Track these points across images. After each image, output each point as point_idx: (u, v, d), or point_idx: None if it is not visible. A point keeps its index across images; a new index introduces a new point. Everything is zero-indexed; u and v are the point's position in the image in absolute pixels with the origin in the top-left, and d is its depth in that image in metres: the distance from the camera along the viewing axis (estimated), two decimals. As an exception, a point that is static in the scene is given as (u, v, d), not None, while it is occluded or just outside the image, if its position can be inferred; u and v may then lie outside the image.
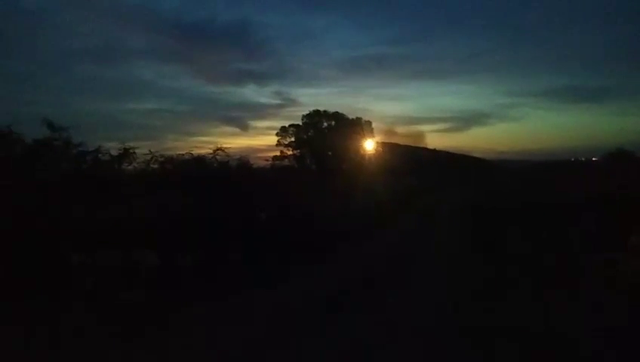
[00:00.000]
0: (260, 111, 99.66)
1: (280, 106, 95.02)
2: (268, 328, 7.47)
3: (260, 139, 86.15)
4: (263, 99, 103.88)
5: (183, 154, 14.71)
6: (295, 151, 51.06)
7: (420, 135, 77.99)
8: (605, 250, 11.40)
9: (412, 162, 48.70)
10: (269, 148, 49.80)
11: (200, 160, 15.12)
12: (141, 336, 6.97)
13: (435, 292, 9.63)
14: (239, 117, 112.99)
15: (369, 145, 48.69)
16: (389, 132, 65.25)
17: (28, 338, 6.73)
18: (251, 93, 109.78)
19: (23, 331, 6.88)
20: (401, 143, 66.40)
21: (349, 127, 52.88)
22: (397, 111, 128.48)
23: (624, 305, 8.35)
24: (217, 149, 15.41)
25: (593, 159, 54.17)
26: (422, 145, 73.08)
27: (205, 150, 15.57)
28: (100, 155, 12.19)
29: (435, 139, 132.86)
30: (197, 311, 8.29)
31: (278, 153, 49.26)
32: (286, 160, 48.60)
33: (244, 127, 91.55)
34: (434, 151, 73.94)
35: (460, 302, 8.77)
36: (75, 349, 6.46)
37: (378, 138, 52.72)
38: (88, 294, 8.23)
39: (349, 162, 46.41)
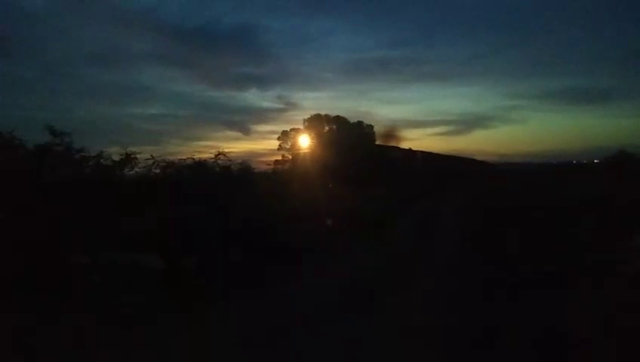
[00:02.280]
0: (262, 115, 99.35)
1: (282, 110, 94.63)
2: (267, 327, 7.47)
3: (262, 144, 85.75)
4: (265, 104, 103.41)
5: (185, 159, 14.78)
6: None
7: (394, 133, 63.25)
8: (608, 251, 11.38)
9: (371, 165, 37.56)
10: (271, 153, 49.77)
11: (202, 165, 15.18)
12: (141, 337, 6.96)
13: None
14: (241, 121, 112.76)
15: (303, 142, 35.04)
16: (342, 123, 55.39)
17: (32, 337, 6.73)
18: (253, 97, 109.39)
19: (28, 330, 6.90)
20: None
21: (351, 130, 52.77)
22: (399, 114, 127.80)
23: (629, 304, 8.31)
24: (219, 154, 15.49)
25: (595, 161, 54.19)
26: (393, 145, 57.38)
27: (207, 155, 15.64)
28: (101, 160, 12.24)
29: (438, 142, 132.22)
30: (198, 311, 8.35)
31: (279, 157, 49.30)
32: (287, 164, 48.49)
33: (246, 132, 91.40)
34: (409, 151, 56.86)
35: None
36: (75, 347, 6.49)
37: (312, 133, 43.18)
38: (92, 296, 8.23)
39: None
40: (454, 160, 69.51)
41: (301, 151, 34.64)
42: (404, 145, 62.80)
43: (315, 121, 53.33)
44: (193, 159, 14.91)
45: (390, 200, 28.14)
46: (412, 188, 36.46)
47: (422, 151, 57.24)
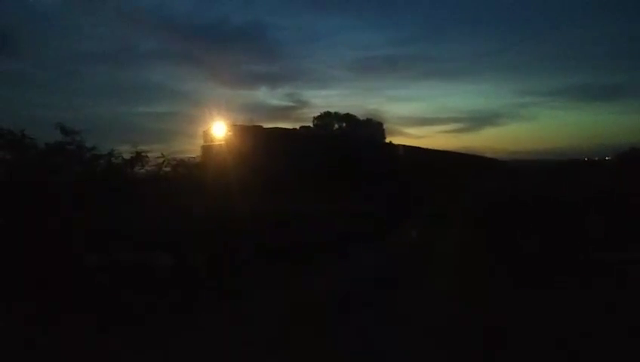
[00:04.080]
0: (272, 113, 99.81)
1: (292, 108, 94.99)
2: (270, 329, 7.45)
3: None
4: (275, 102, 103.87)
5: (195, 157, 14.90)
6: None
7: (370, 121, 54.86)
8: (618, 250, 11.27)
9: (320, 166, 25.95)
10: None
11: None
12: (141, 337, 6.97)
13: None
14: (251, 119, 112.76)
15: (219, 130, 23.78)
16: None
17: (32, 337, 6.79)
18: (263, 95, 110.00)
19: (37, 330, 6.96)
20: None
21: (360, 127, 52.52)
22: (409, 111, 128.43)
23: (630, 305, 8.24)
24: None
25: (606, 158, 53.72)
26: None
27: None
28: (112, 159, 12.34)
29: (448, 139, 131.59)
30: (203, 311, 8.31)
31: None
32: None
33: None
34: (390, 145, 43.99)
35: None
36: (75, 347, 6.50)
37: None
38: (93, 295, 8.27)
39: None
40: (454, 156, 57.52)
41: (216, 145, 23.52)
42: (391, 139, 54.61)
43: (325, 119, 53.33)
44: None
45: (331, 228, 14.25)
46: (383, 199, 22.55)
47: (405, 146, 42.83)
